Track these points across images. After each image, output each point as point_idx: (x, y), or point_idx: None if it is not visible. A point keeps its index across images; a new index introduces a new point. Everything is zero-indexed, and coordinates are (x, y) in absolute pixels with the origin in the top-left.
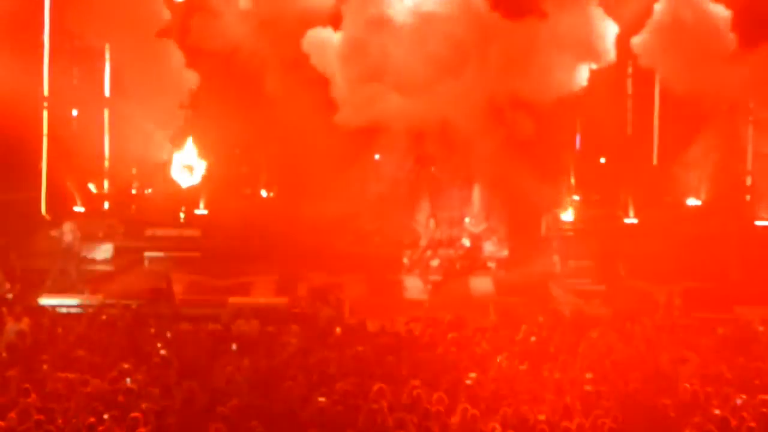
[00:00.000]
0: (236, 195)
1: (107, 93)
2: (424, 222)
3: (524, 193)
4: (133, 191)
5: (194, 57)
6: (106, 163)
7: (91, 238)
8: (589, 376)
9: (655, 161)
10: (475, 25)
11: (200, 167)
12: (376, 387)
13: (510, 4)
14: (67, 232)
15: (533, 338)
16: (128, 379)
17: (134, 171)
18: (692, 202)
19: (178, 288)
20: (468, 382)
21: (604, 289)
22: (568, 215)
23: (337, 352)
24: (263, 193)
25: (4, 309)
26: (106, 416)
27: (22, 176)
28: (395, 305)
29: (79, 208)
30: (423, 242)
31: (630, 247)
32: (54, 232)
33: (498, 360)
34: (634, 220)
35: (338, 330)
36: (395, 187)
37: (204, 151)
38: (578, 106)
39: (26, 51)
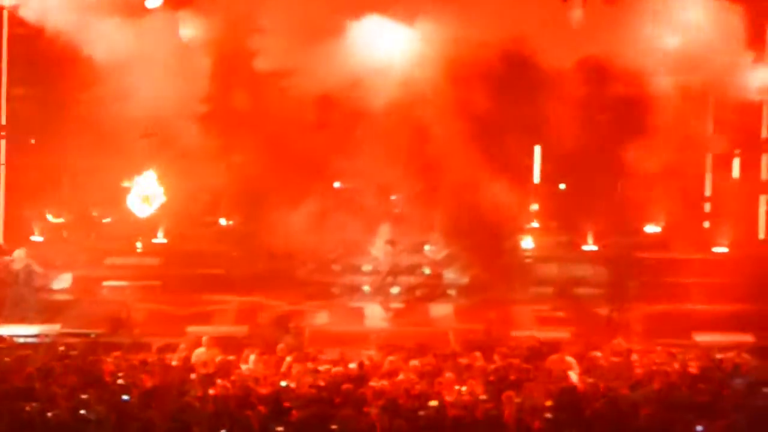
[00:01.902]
0: (196, 223)
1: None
2: (384, 249)
3: (484, 220)
4: (92, 220)
5: None
6: (65, 192)
7: (49, 266)
8: (549, 403)
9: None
10: None
11: (159, 196)
12: (335, 415)
13: None
14: (18, 260)
15: (493, 365)
16: (84, 410)
17: (93, 200)
18: (651, 228)
19: (137, 317)
20: (422, 413)
21: (564, 315)
22: (527, 242)
23: (296, 381)
24: (222, 221)
25: None
26: None
27: None
28: (355, 333)
29: (37, 237)
30: (383, 269)
31: (590, 274)
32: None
33: (458, 388)
34: (594, 247)
35: (289, 359)
36: (356, 214)
37: (163, 179)
38: (537, 134)
39: None
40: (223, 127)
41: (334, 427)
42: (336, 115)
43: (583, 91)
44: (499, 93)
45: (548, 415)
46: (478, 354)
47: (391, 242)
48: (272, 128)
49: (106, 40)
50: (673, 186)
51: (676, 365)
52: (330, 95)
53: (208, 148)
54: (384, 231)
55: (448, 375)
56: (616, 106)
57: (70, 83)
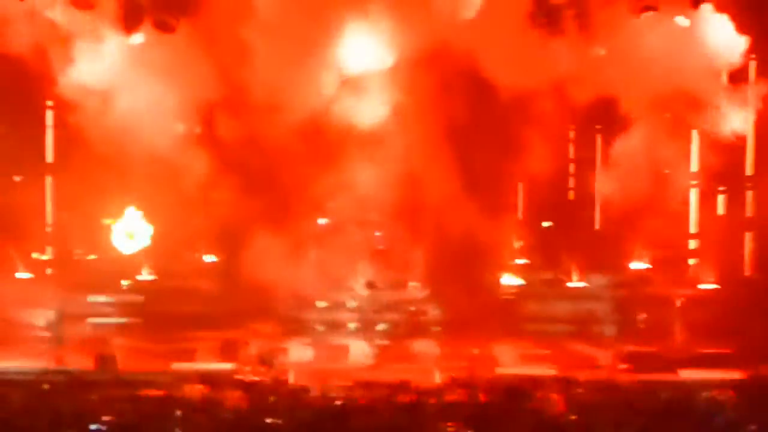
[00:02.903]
0: (179, 260)
1: (49, 159)
2: (368, 286)
3: (468, 258)
4: (76, 257)
5: None
6: (49, 229)
7: (34, 304)
8: None
9: (597, 225)
10: None
11: (143, 233)
12: None
13: None
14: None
15: (477, 402)
16: None
17: (76, 237)
18: (636, 265)
19: (120, 354)
20: None
21: (548, 352)
22: (511, 279)
23: (280, 418)
24: (206, 258)
25: None
26: None
27: None
28: (340, 370)
29: (22, 274)
30: (367, 306)
31: (575, 310)
32: None
33: (443, 424)
34: (579, 284)
35: (272, 399)
36: (338, 251)
37: (147, 217)
38: (520, 171)
39: None
40: (208, 163)
41: None
42: (320, 146)
43: (567, 127)
44: (482, 129)
45: None
46: (464, 390)
47: (371, 284)
48: (258, 163)
49: (91, 72)
50: (658, 222)
51: (659, 402)
52: (314, 123)
53: (193, 185)
54: (367, 268)
55: (430, 411)
56: (598, 142)
57: (54, 122)
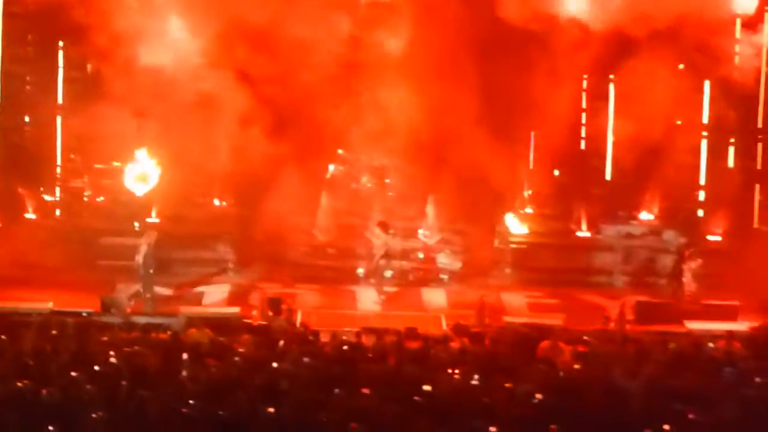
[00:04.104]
0: (189, 204)
1: (60, 100)
2: (378, 233)
3: (478, 205)
4: (85, 199)
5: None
6: (58, 171)
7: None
8: (539, 392)
9: (608, 176)
10: None
11: (153, 176)
12: (328, 399)
13: None
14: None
15: (484, 351)
16: (76, 390)
17: (86, 179)
18: (645, 216)
19: (129, 297)
20: (415, 397)
21: (556, 302)
22: (521, 228)
23: (288, 363)
24: (216, 202)
25: None
26: (51, 428)
27: None
28: (348, 316)
29: (30, 215)
30: (377, 253)
31: (583, 261)
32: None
33: (450, 372)
34: (587, 234)
35: (281, 343)
36: (349, 198)
37: (157, 159)
38: (532, 121)
39: None
40: (232, 105)
41: (325, 412)
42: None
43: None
44: (494, 73)
45: (538, 401)
46: (471, 339)
47: (384, 225)
48: (284, 104)
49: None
50: (667, 174)
51: (668, 353)
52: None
53: (205, 129)
54: (377, 215)
55: (438, 359)
56: (610, 91)
57: (65, 61)
